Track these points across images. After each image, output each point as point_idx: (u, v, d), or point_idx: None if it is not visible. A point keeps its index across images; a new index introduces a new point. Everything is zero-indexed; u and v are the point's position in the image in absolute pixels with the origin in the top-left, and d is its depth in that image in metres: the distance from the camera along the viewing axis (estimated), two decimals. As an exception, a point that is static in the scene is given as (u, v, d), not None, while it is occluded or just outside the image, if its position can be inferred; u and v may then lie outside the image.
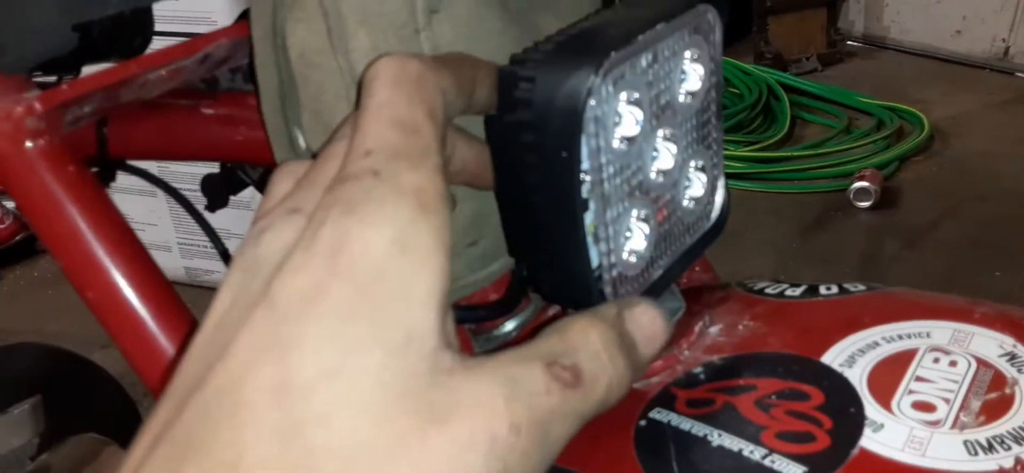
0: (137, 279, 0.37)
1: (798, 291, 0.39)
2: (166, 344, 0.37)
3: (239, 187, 0.58)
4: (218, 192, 0.57)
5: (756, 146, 2.33)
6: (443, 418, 0.22)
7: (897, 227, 1.99)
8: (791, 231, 1.99)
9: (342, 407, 0.21)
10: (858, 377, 0.32)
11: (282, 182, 0.27)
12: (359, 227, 0.23)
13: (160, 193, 1.48)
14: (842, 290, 0.38)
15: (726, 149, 2.22)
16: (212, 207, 0.57)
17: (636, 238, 0.34)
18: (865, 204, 2.02)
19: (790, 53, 2.79)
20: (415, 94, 0.26)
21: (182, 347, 0.36)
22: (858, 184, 2.02)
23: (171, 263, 1.87)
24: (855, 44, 3.00)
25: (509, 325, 0.43)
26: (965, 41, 2.79)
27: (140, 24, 0.44)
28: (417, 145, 0.25)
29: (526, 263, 0.35)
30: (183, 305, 0.40)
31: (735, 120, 2.43)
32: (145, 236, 2.00)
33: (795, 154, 2.30)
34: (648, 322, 0.28)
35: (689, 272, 0.50)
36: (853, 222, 2.01)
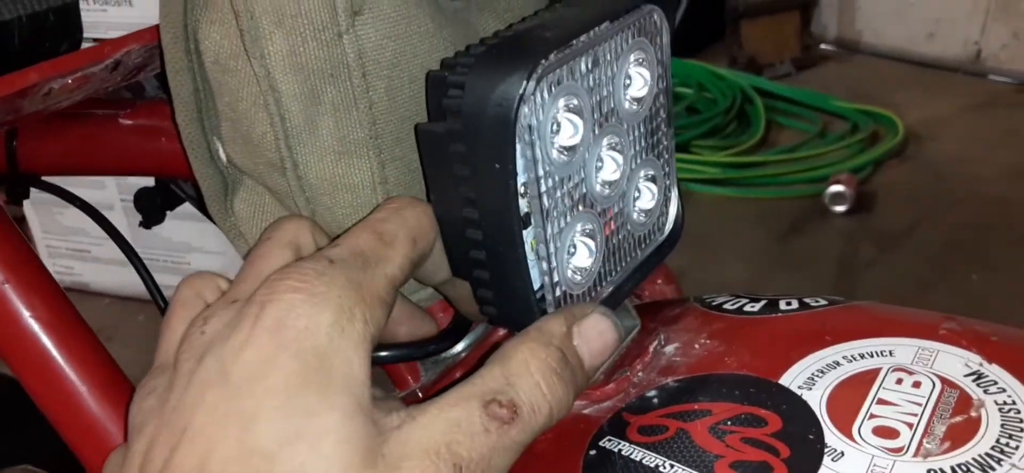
0: (39, 305, 0.34)
1: (757, 307, 0.37)
2: (71, 373, 0.34)
3: (175, 202, 0.55)
4: (153, 207, 0.54)
5: (731, 151, 2.32)
6: (396, 466, 0.24)
7: (873, 231, 1.98)
8: (767, 237, 1.98)
9: (309, 466, 0.23)
10: (817, 400, 0.30)
11: (188, 288, 0.29)
12: (304, 305, 0.25)
13: (117, 206, 1.44)
14: (802, 305, 0.36)
15: (701, 154, 2.22)
16: (147, 223, 0.55)
17: (581, 255, 0.32)
18: (841, 208, 2.02)
19: (764, 57, 2.79)
20: (412, 220, 0.29)
21: (87, 374, 0.35)
22: (833, 188, 2.02)
23: (132, 278, 1.82)
24: (829, 48, 3.01)
25: (457, 346, 0.41)
26: (938, 44, 2.80)
27: (65, 26, 0.41)
28: (382, 253, 0.27)
29: (468, 283, 0.33)
30: (87, 327, 0.37)
31: (709, 125, 2.42)
32: (103, 250, 1.94)
33: (770, 159, 2.30)
34: (596, 336, 0.30)
35: (650, 284, 0.48)
36: (829, 227, 2.00)
